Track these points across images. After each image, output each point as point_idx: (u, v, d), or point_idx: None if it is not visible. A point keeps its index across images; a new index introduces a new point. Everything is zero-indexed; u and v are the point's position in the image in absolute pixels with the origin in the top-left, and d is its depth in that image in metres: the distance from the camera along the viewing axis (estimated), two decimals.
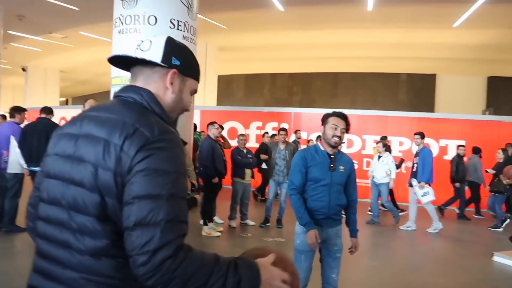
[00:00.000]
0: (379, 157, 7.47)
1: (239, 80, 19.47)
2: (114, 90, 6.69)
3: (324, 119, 2.86)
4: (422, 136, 6.97)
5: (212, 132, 6.24)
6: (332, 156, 2.80)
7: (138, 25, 6.46)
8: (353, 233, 2.89)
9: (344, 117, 2.81)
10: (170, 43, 1.18)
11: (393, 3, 9.26)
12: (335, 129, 2.74)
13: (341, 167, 2.81)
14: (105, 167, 1.01)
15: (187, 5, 6.71)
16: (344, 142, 7.01)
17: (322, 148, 2.83)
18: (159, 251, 0.93)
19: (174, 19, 6.55)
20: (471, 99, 16.37)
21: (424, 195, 6.67)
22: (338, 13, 10.15)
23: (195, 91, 1.27)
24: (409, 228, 6.96)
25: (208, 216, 6.02)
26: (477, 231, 7.41)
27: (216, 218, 6.42)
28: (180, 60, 1.18)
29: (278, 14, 10.08)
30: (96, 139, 1.05)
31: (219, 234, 5.91)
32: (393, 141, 9.73)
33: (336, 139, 2.74)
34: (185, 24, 6.67)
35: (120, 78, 6.60)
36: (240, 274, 1.01)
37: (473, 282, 4.71)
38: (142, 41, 1.19)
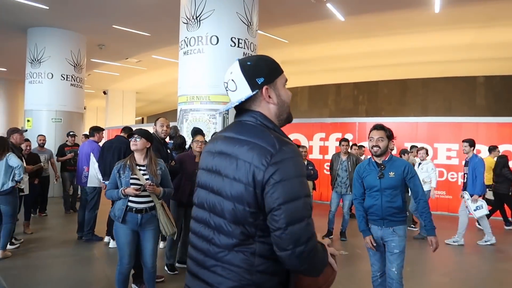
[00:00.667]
0: (419, 164, 7.00)
1: (303, 92, 19.47)
2: (181, 107, 7.09)
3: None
4: (472, 143, 6.24)
5: None
6: (381, 166, 3.18)
7: (201, 45, 6.84)
8: (427, 231, 3.15)
9: (379, 127, 3.18)
10: (244, 67, 1.34)
11: (462, 3, 8.72)
12: (371, 140, 3.18)
13: (391, 173, 3.14)
14: (238, 179, 1.24)
15: (246, 23, 6.96)
16: (392, 149, 6.73)
17: (373, 160, 3.25)
18: (305, 244, 1.18)
19: (235, 37, 6.82)
20: None
21: (476, 209, 6.08)
22: (401, 19, 9.79)
23: (286, 81, 1.43)
24: (455, 243, 6.37)
25: None
26: None
27: None
28: (262, 75, 1.34)
29: (339, 24, 9.98)
30: (229, 157, 1.29)
31: None
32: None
33: (375, 148, 3.14)
34: (245, 42, 6.92)
35: (185, 96, 7.00)
36: (323, 251, 1.29)
37: None
38: (227, 82, 1.37)
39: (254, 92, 1.32)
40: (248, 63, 1.35)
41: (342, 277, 4.46)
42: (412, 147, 8.22)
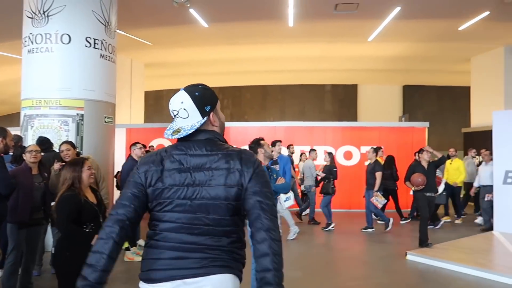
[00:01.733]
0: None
1: (169, 95, 19.04)
2: (25, 112, 6.27)
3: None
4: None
5: (135, 152, 6.05)
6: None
7: (50, 44, 6.16)
8: None
9: None
10: (195, 97, 1.63)
11: (312, 20, 9.74)
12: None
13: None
14: (230, 185, 1.58)
15: (104, 23, 6.52)
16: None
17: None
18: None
19: (90, 37, 6.32)
20: (390, 106, 17.63)
21: (286, 200, 6.32)
22: (260, 30, 10.44)
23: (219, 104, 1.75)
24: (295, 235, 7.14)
25: (131, 241, 5.81)
26: (388, 231, 7.94)
27: (140, 241, 6.22)
28: (209, 103, 1.66)
29: (203, 30, 10.12)
30: (213, 169, 1.59)
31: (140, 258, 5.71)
32: (319, 150, 10.15)
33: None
34: (102, 42, 6.46)
35: (31, 100, 6.21)
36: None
37: (390, 283, 5.03)
38: (177, 111, 1.63)
39: (205, 119, 1.64)
40: (196, 93, 1.63)
41: None
42: (311, 150, 9.07)
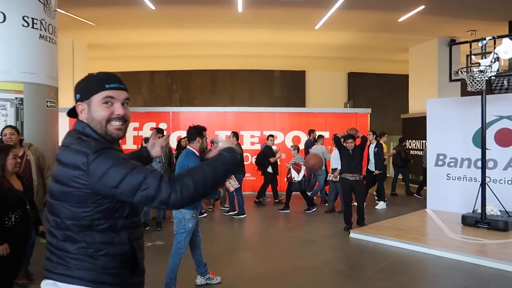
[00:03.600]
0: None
1: None
2: None
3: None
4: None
5: None
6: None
7: None
8: None
9: None
10: (76, 86, 1.61)
11: (260, 6, 9.81)
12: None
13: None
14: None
15: (43, 2, 6.15)
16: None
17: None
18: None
19: (28, 17, 5.95)
20: (336, 93, 18.30)
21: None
22: (209, 14, 10.34)
23: (111, 97, 1.58)
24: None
25: None
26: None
27: None
28: (78, 93, 1.59)
29: (150, 12, 9.84)
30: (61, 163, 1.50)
31: None
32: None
33: None
34: (41, 22, 6.11)
35: None
36: (223, 155, 1.54)
37: (334, 258, 5.38)
38: None
39: (73, 106, 1.61)
40: (79, 81, 1.62)
41: (157, 268, 4.58)
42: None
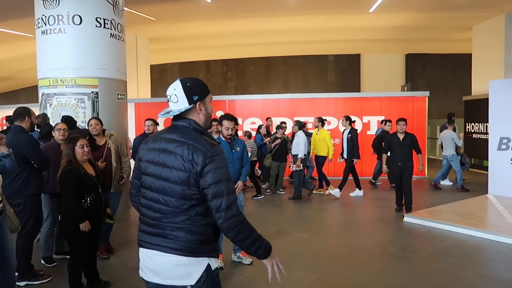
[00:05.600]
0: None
1: (173, 68, 19.37)
2: (42, 91, 6.63)
3: (220, 121, 4.43)
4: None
5: (148, 128, 6.44)
6: (230, 142, 4.41)
7: (62, 25, 6.44)
8: (241, 176, 4.52)
9: (231, 118, 4.32)
10: (185, 86, 1.83)
11: None
12: (227, 129, 4.29)
13: (238, 148, 4.45)
14: (183, 170, 1.75)
15: (112, 3, 6.76)
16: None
17: (223, 139, 4.39)
18: (225, 211, 1.73)
19: (100, 18, 6.59)
20: (393, 76, 17.77)
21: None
22: (262, 3, 10.55)
23: (211, 98, 1.97)
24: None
25: None
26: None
27: None
28: (197, 93, 1.85)
29: (206, 5, 10.27)
30: (173, 154, 1.78)
31: None
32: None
33: (229, 136, 4.35)
34: (111, 22, 6.73)
35: (47, 79, 6.56)
36: (264, 241, 1.82)
37: (387, 240, 5.50)
38: (170, 96, 1.85)
39: (191, 106, 1.83)
40: (188, 84, 1.84)
41: None
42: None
